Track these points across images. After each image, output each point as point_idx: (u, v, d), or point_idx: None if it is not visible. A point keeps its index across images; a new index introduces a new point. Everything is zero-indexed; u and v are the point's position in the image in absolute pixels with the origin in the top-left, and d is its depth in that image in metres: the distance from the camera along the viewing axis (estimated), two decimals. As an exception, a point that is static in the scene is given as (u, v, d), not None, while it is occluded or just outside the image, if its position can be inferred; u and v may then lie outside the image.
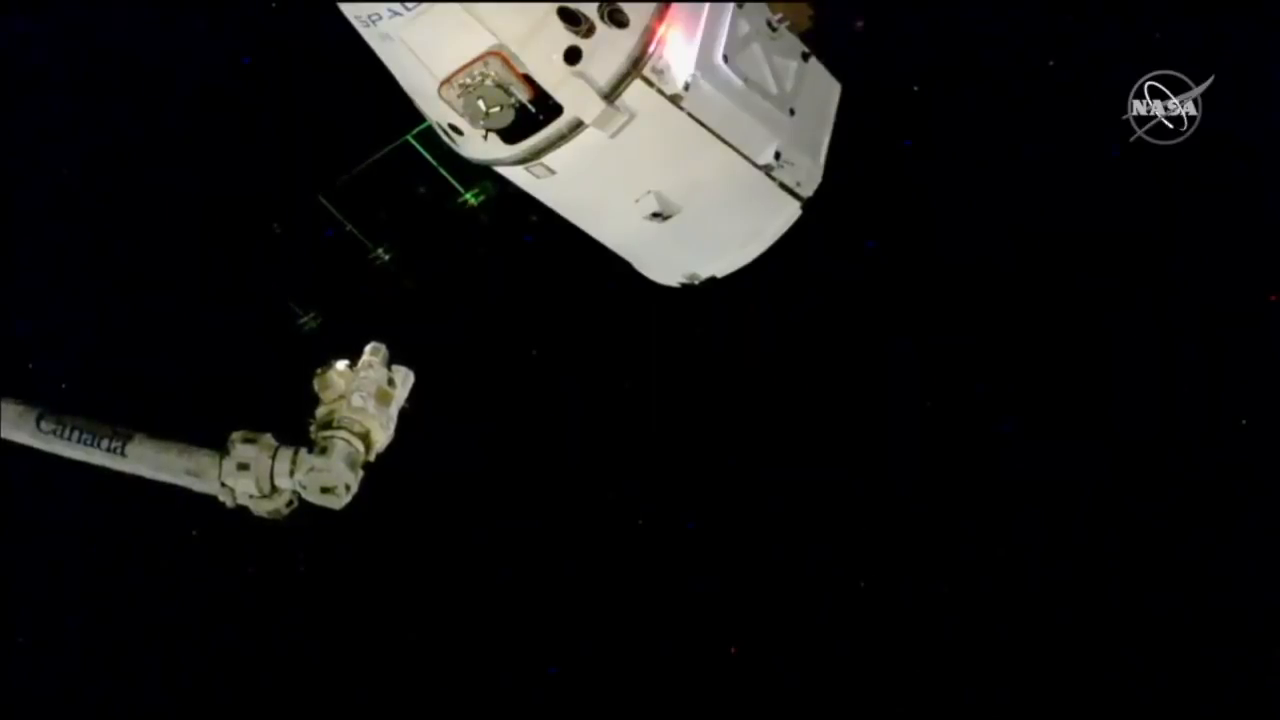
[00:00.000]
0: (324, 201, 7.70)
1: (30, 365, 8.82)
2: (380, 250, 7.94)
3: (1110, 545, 9.47)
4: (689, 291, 6.36)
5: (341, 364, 5.25)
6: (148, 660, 9.60)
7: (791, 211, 6.01)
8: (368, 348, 5.32)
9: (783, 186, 5.87)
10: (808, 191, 5.99)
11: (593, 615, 9.75)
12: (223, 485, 5.15)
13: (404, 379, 5.39)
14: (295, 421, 5.28)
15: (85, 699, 9.57)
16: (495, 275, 9.31)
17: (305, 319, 8.01)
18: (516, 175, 5.57)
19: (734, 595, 9.77)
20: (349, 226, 7.80)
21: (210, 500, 5.37)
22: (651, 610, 9.70)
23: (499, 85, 5.03)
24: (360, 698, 9.77)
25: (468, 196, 7.14)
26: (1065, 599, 9.50)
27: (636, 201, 5.63)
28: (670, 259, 6.26)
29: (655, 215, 5.67)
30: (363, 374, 5.26)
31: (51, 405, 5.15)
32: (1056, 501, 9.55)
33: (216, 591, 9.66)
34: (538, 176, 5.48)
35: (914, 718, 9.62)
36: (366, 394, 5.20)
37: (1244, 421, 9.36)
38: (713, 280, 6.26)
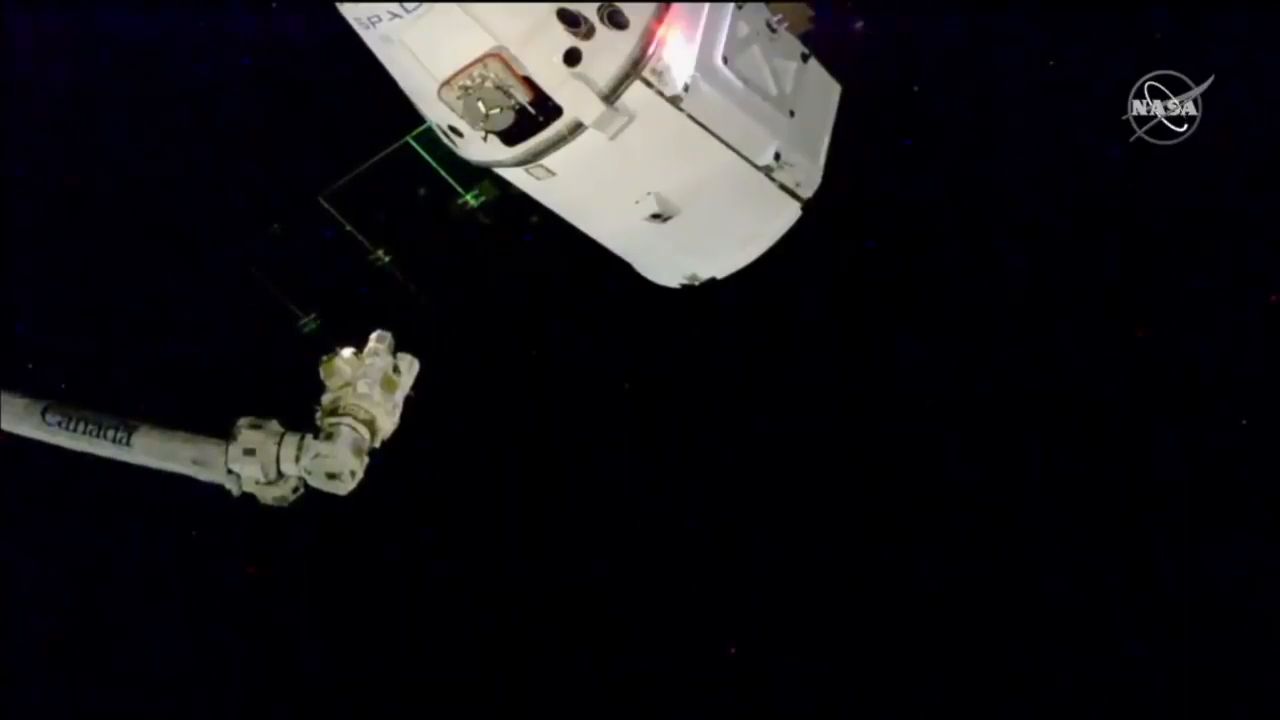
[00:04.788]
0: (324, 203, 7.70)
1: (30, 365, 8.81)
2: (380, 251, 7.94)
3: (1109, 546, 9.48)
4: (689, 292, 6.37)
5: (348, 351, 5.29)
6: (147, 661, 9.60)
7: (792, 212, 6.03)
8: (373, 335, 5.36)
9: (783, 187, 5.89)
10: (808, 192, 6.01)
11: (593, 615, 9.75)
12: (229, 472, 5.17)
13: (409, 367, 5.44)
14: (295, 424, 5.29)
15: (85, 699, 9.57)
16: (495, 275, 9.30)
17: (305, 320, 8.01)
18: (516, 177, 5.59)
19: (734, 595, 9.77)
20: (349, 228, 7.80)
21: (207, 501, 5.38)
22: (651, 610, 9.70)
23: (499, 87, 5.04)
24: (358, 696, 9.77)
25: (468, 198, 7.14)
26: (1064, 600, 9.51)
27: (636, 203, 5.65)
28: (670, 260, 6.28)
29: (655, 216, 5.69)
30: (368, 361, 5.30)
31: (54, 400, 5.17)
32: (1055, 502, 9.55)
33: (216, 592, 9.66)
34: (538, 178, 5.49)
35: (913, 718, 9.63)
36: (372, 381, 5.26)
37: (1244, 421, 9.37)
38: (713, 281, 6.27)
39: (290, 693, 9.71)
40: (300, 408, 5.34)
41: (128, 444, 5.12)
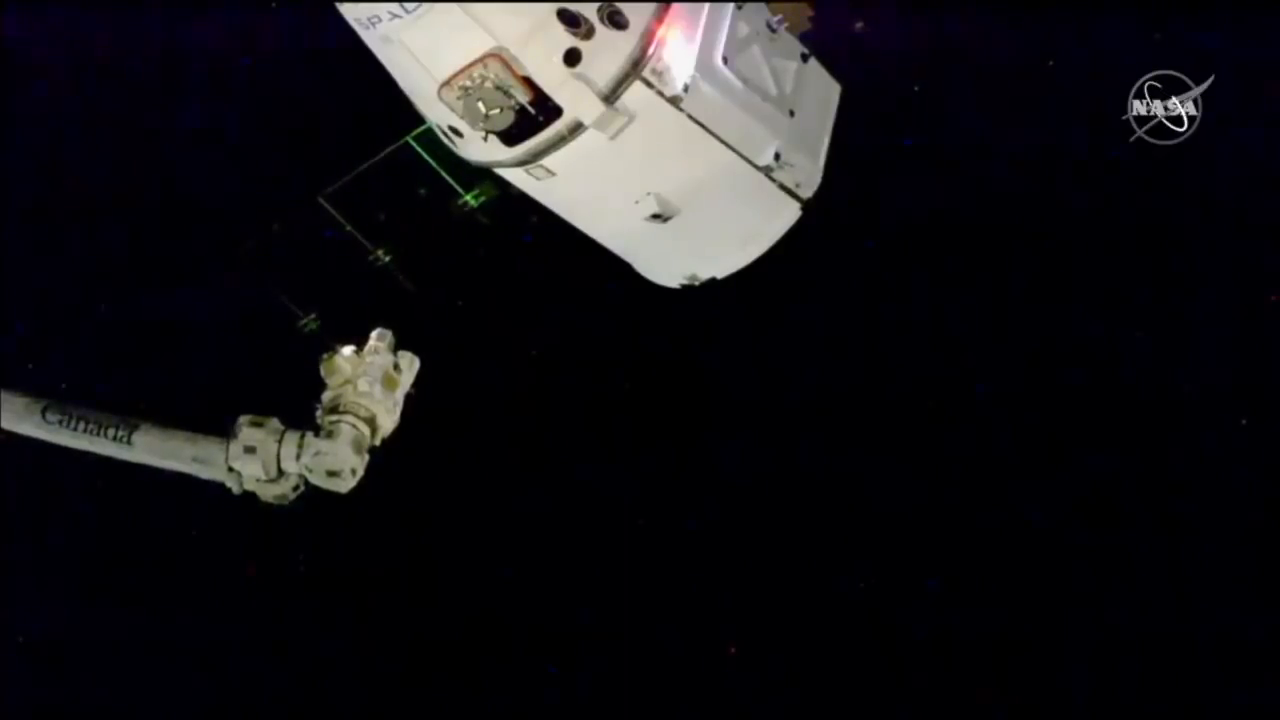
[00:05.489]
0: (324, 203, 7.70)
1: (30, 365, 8.82)
2: (380, 251, 7.94)
3: (1108, 546, 9.48)
4: (689, 292, 6.37)
5: (348, 349, 5.31)
6: (147, 661, 9.60)
7: (791, 213, 6.03)
8: (374, 333, 5.39)
9: (783, 188, 5.89)
10: (808, 193, 6.01)
11: (593, 615, 9.75)
12: (229, 470, 5.18)
13: (410, 364, 5.47)
14: (295, 423, 5.29)
15: (84, 699, 9.57)
16: (495, 275, 9.31)
17: (305, 320, 8.00)
18: (516, 177, 5.59)
19: (734, 595, 9.77)
20: (349, 228, 7.80)
21: (208, 501, 5.39)
22: (651, 610, 9.70)
23: (499, 87, 5.04)
24: (357, 696, 9.77)
25: (468, 198, 7.14)
26: (1063, 600, 9.51)
27: (636, 203, 5.65)
28: (670, 260, 6.28)
29: (655, 217, 5.69)
30: (369, 359, 5.33)
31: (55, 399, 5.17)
32: (1054, 502, 9.55)
33: (216, 592, 9.66)
34: (537, 178, 5.49)
35: (913, 718, 9.63)
36: (373, 379, 5.29)
37: (1244, 421, 9.37)
38: (713, 281, 6.28)
39: (291, 693, 9.71)
40: (300, 407, 5.35)
41: (128, 443, 5.13)
